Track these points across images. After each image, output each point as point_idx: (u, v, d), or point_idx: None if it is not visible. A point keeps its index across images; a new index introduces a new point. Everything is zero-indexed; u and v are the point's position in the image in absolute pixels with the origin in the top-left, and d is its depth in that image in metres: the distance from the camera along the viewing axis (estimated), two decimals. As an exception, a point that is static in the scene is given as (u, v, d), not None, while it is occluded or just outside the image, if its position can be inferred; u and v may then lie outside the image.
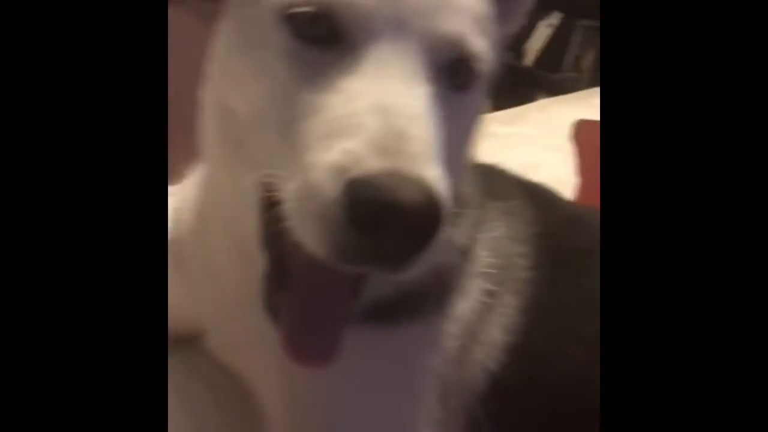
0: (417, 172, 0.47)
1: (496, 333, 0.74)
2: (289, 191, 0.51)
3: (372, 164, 0.47)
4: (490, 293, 0.74)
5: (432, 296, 0.70)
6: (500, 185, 0.83)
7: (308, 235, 0.50)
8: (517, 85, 2.60)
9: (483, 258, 0.74)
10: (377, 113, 0.50)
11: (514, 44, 3.01)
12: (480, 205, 0.76)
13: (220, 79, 0.63)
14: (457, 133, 0.59)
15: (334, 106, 0.52)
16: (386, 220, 0.46)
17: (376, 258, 0.49)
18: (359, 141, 0.49)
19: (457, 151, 0.62)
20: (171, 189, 1.16)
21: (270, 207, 0.56)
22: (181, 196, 0.81)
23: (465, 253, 0.73)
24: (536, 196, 0.86)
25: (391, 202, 0.46)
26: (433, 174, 0.49)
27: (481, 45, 0.59)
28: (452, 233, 0.70)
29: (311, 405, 0.70)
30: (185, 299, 0.80)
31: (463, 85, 0.60)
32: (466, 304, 0.72)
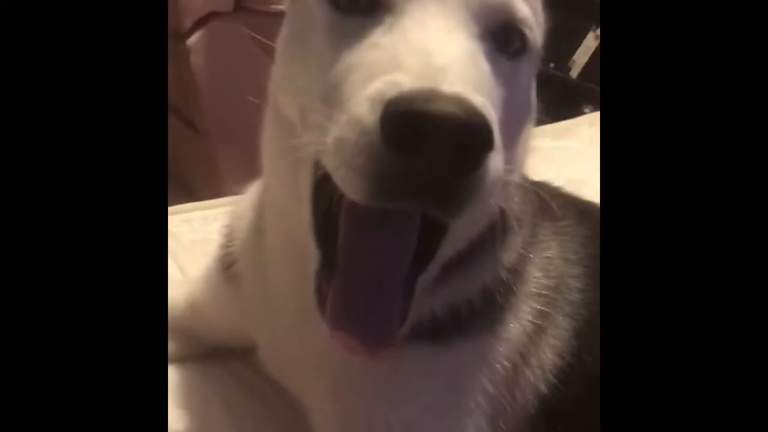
0: (456, 90, 0.45)
1: (548, 356, 0.73)
2: (327, 146, 0.50)
3: (408, 86, 0.45)
4: (542, 315, 0.72)
5: (483, 315, 0.69)
6: (552, 204, 0.82)
7: (348, 175, 0.48)
8: (565, 98, 2.57)
9: (535, 279, 0.73)
10: (418, 54, 0.49)
11: (562, 57, 2.98)
12: (532, 224, 0.75)
13: (277, 78, 0.64)
14: (511, 103, 0.58)
15: (374, 58, 0.51)
16: (424, 133, 0.43)
17: (420, 186, 0.46)
18: (400, 73, 0.47)
19: (512, 123, 0.60)
20: (225, 203, 1.19)
21: (322, 190, 0.56)
22: (235, 215, 0.82)
23: (516, 272, 0.72)
24: (588, 215, 0.84)
25: (426, 112, 0.43)
26: (475, 97, 0.46)
27: (527, 10, 0.59)
28: (503, 247, 0.70)
29: (360, 422, 0.69)
30: (237, 314, 0.80)
31: (515, 53, 0.59)
32: (517, 325, 0.71)
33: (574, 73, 3.18)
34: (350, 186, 0.48)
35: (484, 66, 0.54)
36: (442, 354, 0.68)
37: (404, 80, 0.46)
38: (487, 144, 0.45)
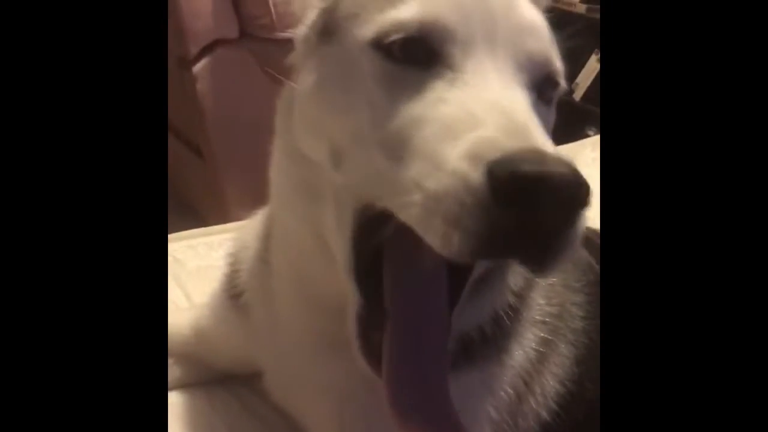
0: (553, 150, 0.47)
1: (550, 383, 0.73)
2: (413, 199, 0.49)
3: (509, 145, 0.46)
4: (545, 342, 0.72)
5: (491, 342, 0.69)
6: None
7: (450, 233, 0.47)
8: (568, 121, 2.57)
9: (539, 306, 0.73)
10: (495, 111, 0.50)
11: (565, 79, 3.00)
12: None
13: (302, 119, 0.64)
14: None
15: (447, 114, 0.51)
16: (538, 193, 0.44)
17: (525, 241, 0.46)
18: (487, 130, 0.48)
19: None
20: (230, 229, 1.19)
21: (366, 236, 0.56)
22: (240, 243, 0.82)
23: (522, 298, 0.72)
24: (590, 242, 0.85)
25: (541, 173, 0.44)
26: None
27: (560, 63, 0.61)
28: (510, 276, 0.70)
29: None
30: (243, 341, 0.80)
31: (549, 100, 0.61)
32: (521, 352, 0.71)
33: (578, 95, 3.20)
34: (451, 244, 0.47)
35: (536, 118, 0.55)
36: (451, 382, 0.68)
37: (500, 139, 0.47)
38: (588, 199, 0.47)
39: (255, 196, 0.82)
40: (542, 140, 0.48)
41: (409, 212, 0.50)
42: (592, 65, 3.18)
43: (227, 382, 0.90)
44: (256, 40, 1.93)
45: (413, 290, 0.56)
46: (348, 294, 0.59)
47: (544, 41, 0.60)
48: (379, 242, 0.56)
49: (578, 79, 3.20)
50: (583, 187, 0.46)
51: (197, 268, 1.07)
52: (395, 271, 0.57)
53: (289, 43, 0.68)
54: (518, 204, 0.45)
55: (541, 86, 0.59)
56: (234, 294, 0.80)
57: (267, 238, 0.76)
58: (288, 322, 0.73)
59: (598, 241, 0.90)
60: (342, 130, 0.58)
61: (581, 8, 3.11)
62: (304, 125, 0.63)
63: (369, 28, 0.57)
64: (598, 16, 3.12)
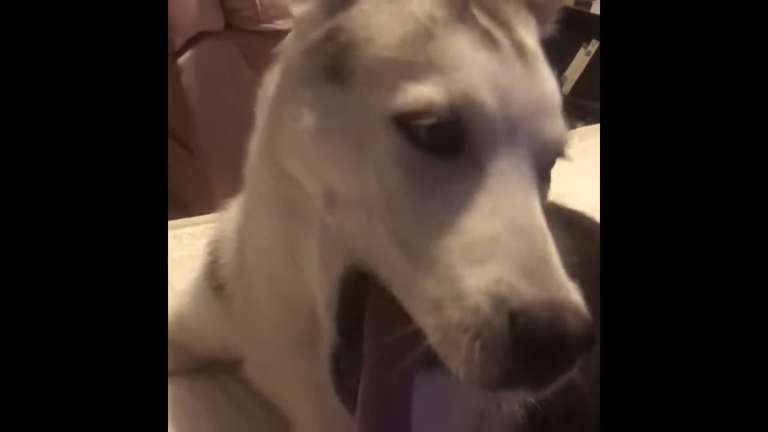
0: (573, 299, 0.49)
1: None
2: (432, 321, 0.51)
3: (530, 294, 0.48)
4: None
5: None
6: None
7: (465, 363, 0.49)
8: (557, 114, 2.57)
9: None
10: (516, 235, 0.51)
11: (554, 71, 3.00)
12: None
13: (290, 151, 0.61)
14: None
15: (470, 227, 0.51)
16: (554, 352, 0.48)
17: (532, 383, 0.50)
18: (509, 267, 0.49)
19: None
20: (214, 219, 1.19)
21: (353, 286, 0.57)
22: (220, 233, 0.82)
23: None
24: (573, 224, 0.85)
25: (561, 336, 0.47)
26: (580, 297, 0.50)
27: (567, 137, 0.60)
28: None
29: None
30: (226, 330, 0.80)
31: (548, 177, 0.61)
32: None
33: (566, 89, 3.20)
34: (465, 369, 0.49)
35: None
36: (432, 375, 0.68)
37: (518, 282, 0.49)
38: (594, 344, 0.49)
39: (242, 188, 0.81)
40: (562, 274, 0.50)
41: (426, 327, 0.51)
42: (581, 58, 3.19)
43: (209, 369, 0.90)
44: (242, 32, 1.92)
45: (394, 340, 0.55)
46: (323, 325, 0.60)
47: (558, 120, 0.58)
48: (365, 289, 0.58)
49: (567, 72, 3.21)
50: (592, 342, 0.48)
51: (181, 257, 1.07)
52: (377, 319, 0.58)
53: (274, 35, 0.67)
54: (534, 360, 0.48)
55: (549, 165, 0.60)
56: (216, 285, 0.80)
57: (241, 236, 0.75)
58: (263, 318, 0.73)
59: (583, 224, 0.90)
60: (345, 186, 0.57)
61: (570, 1, 3.12)
62: (296, 156, 0.60)
63: (391, 99, 0.54)
64: (586, 9, 3.13)
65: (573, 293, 0.49)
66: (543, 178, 0.58)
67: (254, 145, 0.68)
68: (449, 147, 0.54)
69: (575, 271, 0.78)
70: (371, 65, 0.56)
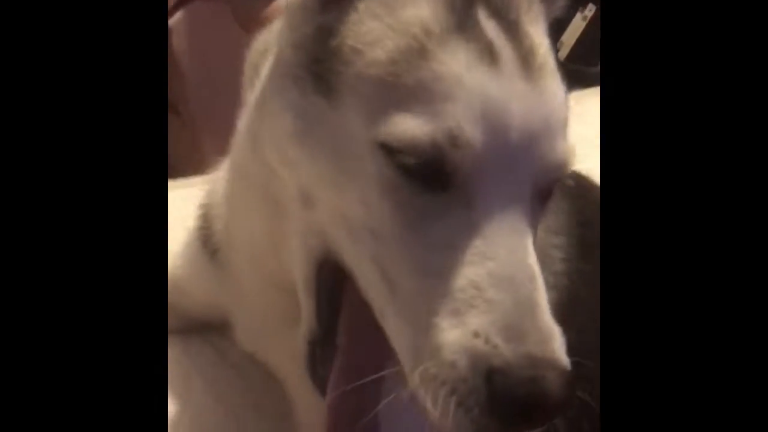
0: (554, 356, 0.48)
1: None
2: (408, 366, 0.51)
3: (509, 352, 0.47)
4: None
5: None
6: None
7: (443, 413, 0.49)
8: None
9: None
10: (501, 284, 0.50)
11: (550, 39, 2.97)
12: None
13: (270, 145, 0.60)
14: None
15: (453, 271, 0.50)
16: (532, 411, 0.47)
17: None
18: (489, 320, 0.48)
19: None
20: (205, 181, 1.18)
21: (331, 276, 0.57)
22: (210, 192, 0.81)
23: None
24: (569, 187, 0.84)
25: (540, 395, 0.46)
26: (563, 349, 0.49)
27: (571, 155, 0.56)
28: None
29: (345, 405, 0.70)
30: (218, 292, 0.80)
31: (546, 198, 0.58)
32: None
33: (563, 54, 3.17)
34: (441, 419, 0.49)
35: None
36: None
37: (498, 339, 0.48)
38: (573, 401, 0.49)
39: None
40: (547, 325, 0.49)
41: (402, 361, 0.51)
42: (577, 23, 3.15)
43: (202, 330, 0.90)
44: (233, -8, 1.88)
45: (368, 334, 0.56)
46: (302, 310, 0.60)
47: (563, 141, 0.55)
48: (341, 282, 0.57)
49: (563, 38, 3.17)
50: (571, 399, 0.48)
51: (172, 218, 1.06)
52: (353, 313, 0.58)
53: None
54: (510, 421, 0.47)
55: (551, 186, 0.57)
56: (210, 251, 0.80)
57: (226, 204, 0.75)
58: (252, 292, 0.73)
59: (577, 188, 0.89)
60: (324, 196, 0.56)
61: (566, -35, 3.07)
62: (275, 152, 0.59)
63: (377, 126, 0.51)
64: (582, -28, 3.08)
65: (555, 346, 0.49)
66: (542, 199, 0.56)
67: (241, 123, 0.67)
68: (437, 182, 0.51)
69: (572, 232, 0.78)
70: (357, 84, 0.53)
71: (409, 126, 0.50)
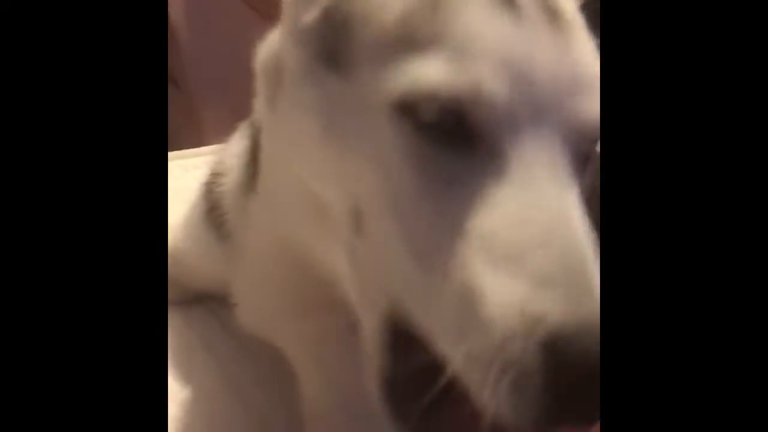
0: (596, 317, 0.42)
1: None
2: (452, 347, 0.45)
3: (563, 316, 0.42)
4: None
5: None
6: None
7: (497, 401, 0.43)
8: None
9: None
10: (546, 240, 0.44)
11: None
12: None
13: (300, 160, 0.56)
14: None
15: (490, 229, 0.45)
16: (590, 386, 0.42)
17: (574, 418, 0.44)
18: (537, 281, 0.43)
19: None
20: (204, 152, 1.18)
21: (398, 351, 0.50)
22: (220, 167, 0.79)
23: None
24: None
25: (591, 363, 0.41)
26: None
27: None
28: None
29: (343, 369, 0.69)
30: (222, 265, 0.79)
31: (584, 164, 0.52)
32: None
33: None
34: (493, 407, 0.43)
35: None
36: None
37: (548, 303, 0.42)
38: None
39: (232, 124, 0.80)
40: (593, 288, 0.43)
41: (447, 353, 0.45)
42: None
43: (205, 300, 0.90)
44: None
45: None
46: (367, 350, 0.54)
47: (594, 97, 0.49)
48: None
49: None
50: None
51: (172, 189, 1.06)
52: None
53: None
54: (572, 388, 0.42)
55: (588, 151, 0.51)
56: (215, 223, 0.78)
57: (252, 174, 0.70)
58: (261, 278, 0.71)
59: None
60: (365, 186, 0.51)
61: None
62: (309, 165, 0.55)
63: (392, 81, 0.48)
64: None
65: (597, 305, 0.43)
66: (581, 168, 0.50)
67: (263, 119, 0.63)
68: (462, 137, 0.47)
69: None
70: (369, 45, 0.50)
71: (426, 76, 0.46)
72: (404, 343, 0.50)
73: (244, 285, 0.76)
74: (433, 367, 0.47)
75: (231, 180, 0.76)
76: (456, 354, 0.44)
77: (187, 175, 1.07)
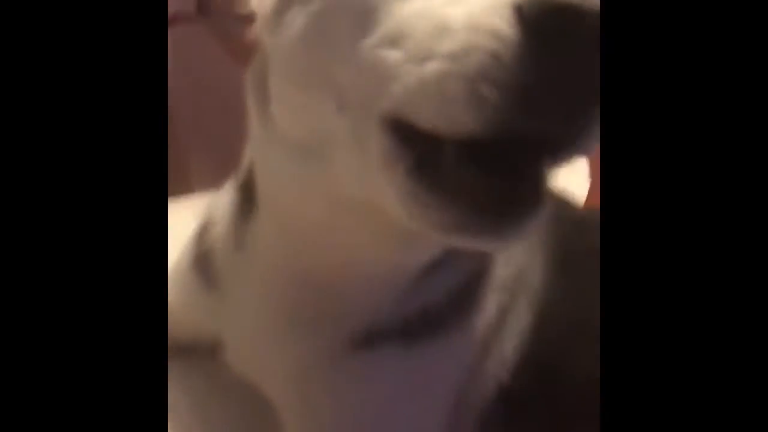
0: None
1: (509, 345, 0.74)
2: (422, 71, 0.41)
3: None
4: (503, 306, 0.73)
5: (452, 312, 0.70)
6: None
7: (478, 94, 0.39)
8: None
9: (498, 269, 0.74)
10: None
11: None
12: None
13: (283, 92, 0.59)
14: None
15: None
16: (569, 21, 0.38)
17: (554, 105, 0.40)
18: None
19: None
20: (189, 200, 1.18)
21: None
22: (208, 218, 0.80)
23: (484, 264, 0.73)
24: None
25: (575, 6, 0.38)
26: None
27: None
28: None
29: (330, 420, 0.70)
30: (210, 313, 0.80)
31: None
32: (482, 316, 0.72)
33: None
34: (483, 106, 0.39)
35: None
36: (411, 352, 0.69)
37: None
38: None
39: (219, 173, 0.81)
40: None
41: (422, 86, 0.42)
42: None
43: (188, 353, 0.90)
44: (215, 14, 1.89)
45: None
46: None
47: None
48: None
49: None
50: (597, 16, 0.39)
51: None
52: None
53: (249, 19, 0.66)
54: (551, 40, 0.38)
55: None
56: (209, 277, 0.79)
57: (245, 221, 0.72)
58: (260, 299, 0.72)
59: (553, 206, 0.89)
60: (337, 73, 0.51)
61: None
62: (294, 83, 0.57)
63: None
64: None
65: None
66: None
67: (252, 129, 0.66)
68: None
69: (547, 249, 0.77)
70: None
71: None
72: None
73: (235, 322, 0.76)
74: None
75: (221, 228, 0.77)
76: (421, 74, 0.41)
77: (176, 223, 1.07)
